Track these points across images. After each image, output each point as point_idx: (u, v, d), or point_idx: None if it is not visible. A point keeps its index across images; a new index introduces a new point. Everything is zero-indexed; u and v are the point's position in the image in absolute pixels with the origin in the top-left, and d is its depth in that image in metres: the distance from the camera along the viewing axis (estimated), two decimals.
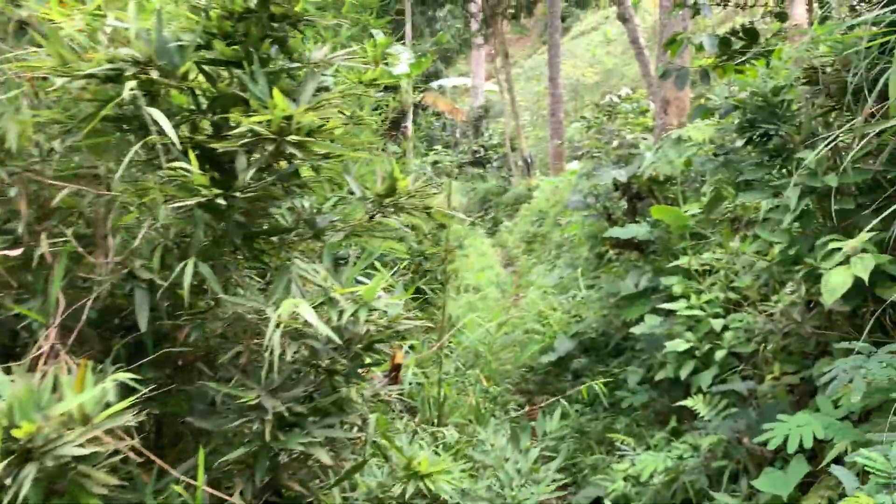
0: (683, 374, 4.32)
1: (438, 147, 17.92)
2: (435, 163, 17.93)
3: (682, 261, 4.60)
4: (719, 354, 4.19)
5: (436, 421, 3.46)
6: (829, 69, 2.70)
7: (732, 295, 3.96)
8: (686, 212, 4.88)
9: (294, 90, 1.79)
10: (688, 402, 4.24)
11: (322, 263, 1.70)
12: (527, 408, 5.44)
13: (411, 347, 4.54)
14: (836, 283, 2.58)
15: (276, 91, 1.62)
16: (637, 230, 5.09)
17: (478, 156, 19.78)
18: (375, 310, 1.62)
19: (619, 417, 5.08)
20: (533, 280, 11.22)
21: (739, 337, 4.19)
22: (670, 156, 3.45)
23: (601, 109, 11.67)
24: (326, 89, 1.87)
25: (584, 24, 40.70)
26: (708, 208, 4.37)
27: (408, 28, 24.76)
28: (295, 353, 1.56)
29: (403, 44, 23.33)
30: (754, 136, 3.05)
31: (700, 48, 5.65)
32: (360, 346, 1.72)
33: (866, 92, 2.65)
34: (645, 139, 9.40)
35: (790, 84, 2.99)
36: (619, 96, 11.45)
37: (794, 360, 3.58)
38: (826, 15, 4.61)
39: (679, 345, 4.36)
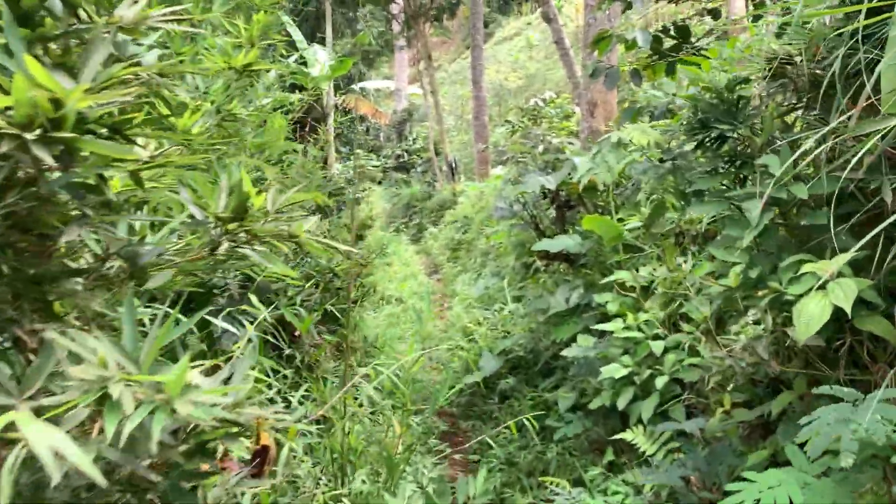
0: (621, 403, 3.86)
1: (359, 151, 17.22)
2: (358, 167, 17.26)
3: (617, 276, 4.15)
4: (660, 382, 3.74)
5: (339, 478, 2.88)
6: (798, 59, 2.27)
7: (686, 327, 3.51)
8: (623, 223, 4.44)
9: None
10: (626, 436, 3.78)
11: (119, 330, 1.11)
12: (448, 450, 4.87)
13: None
14: (812, 313, 2.12)
15: (29, 60, 1.01)
16: (567, 242, 4.62)
17: (401, 160, 19.19)
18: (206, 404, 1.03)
19: (551, 446, 4.59)
20: (458, 290, 10.72)
21: (683, 360, 3.76)
22: (609, 161, 3.00)
23: (525, 113, 11.29)
24: (137, 65, 1.26)
25: (506, 29, 40.71)
26: (649, 220, 3.93)
27: (328, 29, 23.99)
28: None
29: (323, 44, 22.53)
30: (706, 139, 2.60)
31: (631, 46, 5.24)
32: (183, 447, 1.13)
33: (839, 87, 2.21)
34: (571, 144, 9.05)
35: (748, 78, 2.55)
36: (544, 100, 11.08)
37: (745, 389, 3.15)
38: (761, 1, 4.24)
39: (615, 370, 3.89)
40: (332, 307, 4.87)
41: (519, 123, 11.19)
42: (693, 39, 5.46)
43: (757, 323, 2.33)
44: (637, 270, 4.17)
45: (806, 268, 2.21)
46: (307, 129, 23.68)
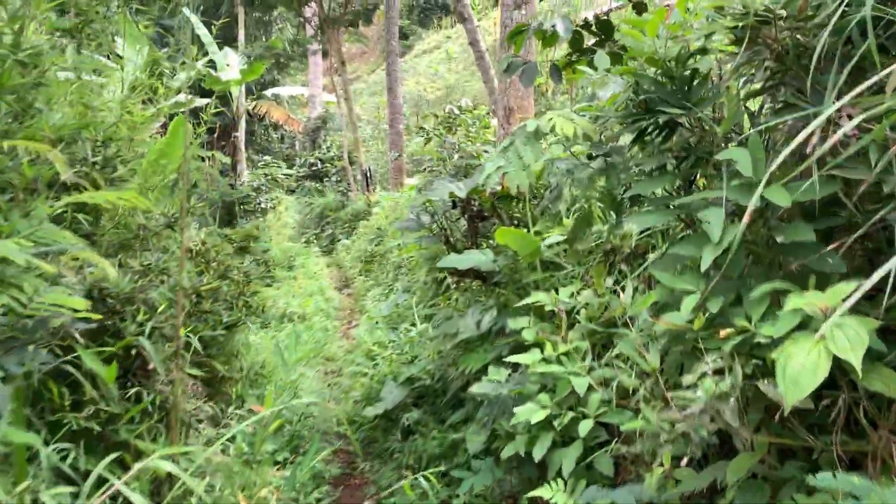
0: (538, 453, 3.19)
1: (268, 158, 16.21)
2: (269, 175, 16.24)
3: (534, 298, 3.49)
4: (584, 427, 3.09)
5: None
6: (779, 19, 1.65)
7: (620, 364, 2.86)
8: (541, 237, 3.79)
9: None
10: (543, 493, 3.11)
11: None
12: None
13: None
14: (803, 368, 1.48)
15: None
16: (477, 258, 3.94)
17: (314, 169, 18.25)
18: None
19: (458, 497, 3.88)
20: (368, 306, 9.93)
21: (611, 402, 3.13)
22: (525, 157, 2.36)
23: (441, 121, 10.65)
24: None
25: (426, 42, 40.30)
26: (573, 234, 3.28)
27: (241, 33, 22.80)
28: None
29: (236, 48, 21.31)
30: (649, 128, 1.98)
31: (550, 40, 4.65)
32: None
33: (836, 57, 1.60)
34: (487, 152, 8.45)
35: (706, 47, 1.92)
36: (460, 107, 10.47)
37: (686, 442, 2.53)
38: None
39: (531, 412, 3.22)
40: (200, 333, 4.02)
41: (434, 131, 10.54)
42: (617, 37, 4.91)
43: (719, 373, 1.70)
44: (557, 292, 3.53)
45: (792, 303, 1.57)
46: (216, 135, 22.38)
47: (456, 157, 9.08)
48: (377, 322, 7.83)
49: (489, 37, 24.84)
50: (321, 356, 8.02)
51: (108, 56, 5.81)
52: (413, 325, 7.08)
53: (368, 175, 15.60)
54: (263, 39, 19.95)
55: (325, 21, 15.33)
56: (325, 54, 27.40)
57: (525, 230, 3.98)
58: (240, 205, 14.91)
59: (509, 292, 4.22)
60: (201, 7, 24.74)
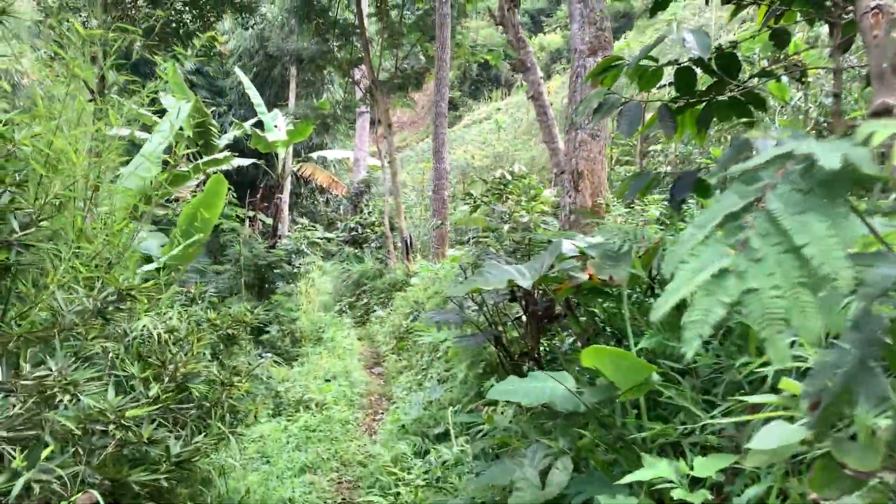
0: None
1: (304, 221, 15.10)
2: (306, 239, 15.11)
3: (652, 472, 2.03)
4: None
5: None
6: None
7: None
8: (655, 360, 2.35)
9: None
10: None
11: None
12: None
13: None
14: None
15: None
16: (551, 390, 2.50)
17: (354, 234, 17.09)
18: None
19: None
20: (397, 394, 8.46)
21: None
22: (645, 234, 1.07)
23: (490, 188, 9.37)
24: None
25: (476, 113, 39.83)
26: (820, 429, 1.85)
27: (291, 96, 22.25)
28: None
29: (286, 107, 20.65)
30: None
31: (651, 78, 3.30)
32: None
33: None
34: (546, 223, 7.08)
35: None
36: (511, 172, 9.19)
37: None
38: None
39: None
40: (134, 476, 2.63)
41: (482, 198, 9.24)
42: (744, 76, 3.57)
43: None
44: (685, 459, 2.06)
45: None
46: (260, 195, 21.52)
47: (506, 227, 7.73)
48: (403, 426, 6.34)
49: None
50: (336, 457, 6.55)
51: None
52: (447, 432, 5.61)
53: (409, 243, 14.34)
54: (313, 101, 19.23)
55: (374, 83, 14.40)
56: (373, 122, 26.83)
57: (627, 350, 2.52)
58: (273, 269, 13.74)
59: (593, 431, 2.75)
60: (255, 69, 24.47)
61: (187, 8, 8.92)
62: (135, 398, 2.66)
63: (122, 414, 2.43)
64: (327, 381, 8.56)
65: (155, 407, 2.65)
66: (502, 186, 9.24)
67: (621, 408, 2.52)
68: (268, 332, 11.91)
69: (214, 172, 15.49)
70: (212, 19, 9.45)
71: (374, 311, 13.77)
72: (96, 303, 2.62)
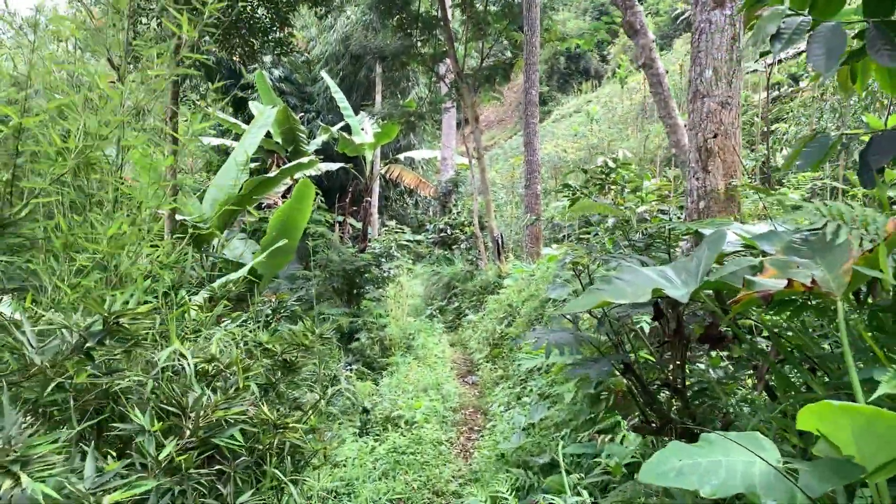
0: None
1: (391, 224, 14.44)
2: (394, 242, 14.46)
3: None
4: None
5: None
6: None
7: None
8: None
9: None
10: None
11: None
12: None
13: None
14: None
15: None
16: (737, 468, 1.55)
17: (443, 235, 16.33)
18: None
19: None
20: (493, 410, 7.56)
21: None
22: None
23: (590, 178, 8.33)
24: None
25: (565, 107, 38.39)
26: None
27: (377, 98, 21.79)
28: None
29: (371, 107, 20.15)
30: None
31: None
32: None
33: None
34: (664, 213, 5.99)
35: None
36: (615, 159, 8.11)
37: None
38: None
39: None
40: None
41: (581, 190, 8.20)
42: None
43: None
44: None
45: None
46: (349, 199, 21.15)
47: (634, 219, 6.69)
48: (502, 454, 5.44)
49: (637, 94, 22.41)
50: (428, 486, 5.74)
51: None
52: (553, 463, 4.69)
53: (500, 242, 13.42)
54: (399, 99, 18.63)
55: (459, 76, 13.57)
56: (459, 123, 26.02)
57: (835, 388, 1.54)
58: (361, 274, 13.17)
59: None
60: (341, 73, 24.21)
61: (260, 1, 8.36)
62: (130, 466, 1.88)
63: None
64: (418, 394, 7.77)
65: (160, 481, 1.88)
66: (604, 176, 8.18)
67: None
68: (357, 339, 11.32)
69: (301, 177, 15.14)
70: (287, 13, 8.86)
71: (466, 314, 12.95)
72: (77, 336, 1.87)
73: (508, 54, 15.21)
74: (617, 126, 20.22)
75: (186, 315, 3.55)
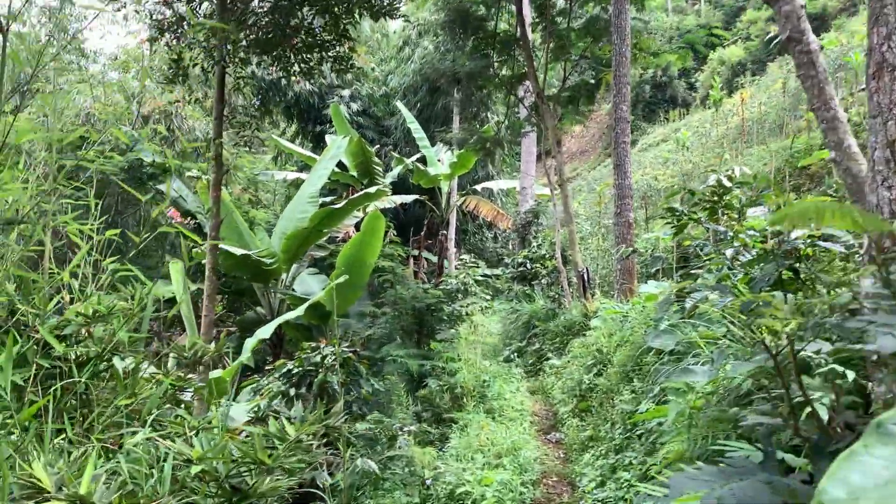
0: None
1: (465, 258, 13.11)
2: (468, 277, 13.13)
3: None
4: None
5: None
6: None
7: None
8: None
9: None
10: None
11: None
12: None
13: None
14: None
15: None
16: None
17: (522, 269, 14.88)
18: None
19: None
20: (583, 487, 6.03)
21: None
22: None
23: (699, 199, 6.78)
24: None
25: (651, 137, 36.38)
26: None
27: (455, 125, 20.77)
28: None
29: (448, 132, 19.05)
30: None
31: None
32: None
33: None
34: (827, 238, 4.41)
35: None
36: (730, 177, 6.55)
37: None
38: None
39: None
40: None
41: (689, 214, 6.64)
42: None
43: None
44: None
45: None
46: (424, 233, 20.04)
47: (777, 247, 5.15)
48: None
49: (734, 118, 20.45)
50: None
51: None
52: None
53: (586, 278, 11.87)
54: (478, 127, 17.48)
55: (540, 97, 12.28)
56: (539, 156, 24.67)
57: None
58: (432, 312, 11.92)
59: None
60: (419, 105, 23.40)
61: (314, 13, 7.37)
62: None
63: None
64: (490, 462, 6.33)
65: None
66: (717, 198, 6.62)
67: None
68: (425, 385, 10.03)
69: (373, 210, 14.15)
70: (346, 27, 7.83)
71: (548, 358, 11.41)
72: None
73: (592, 73, 13.82)
74: (713, 150, 18.35)
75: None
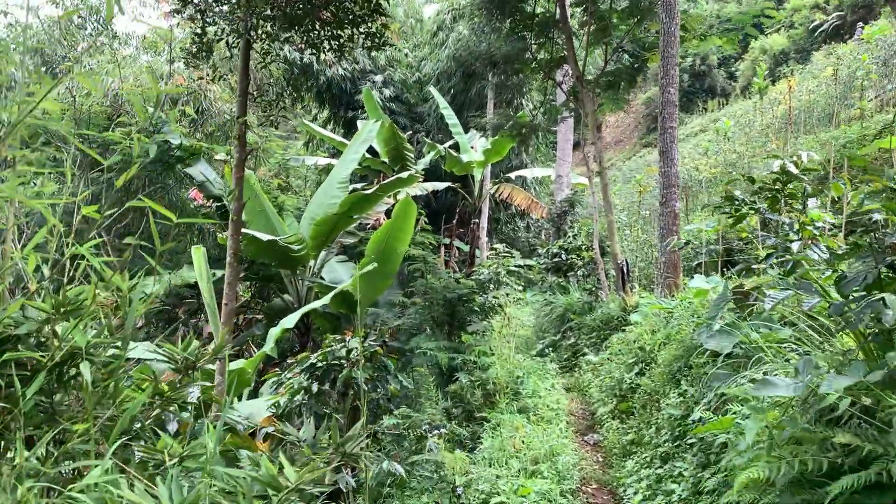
0: None
1: (498, 247, 12.56)
2: (507, 268, 12.58)
3: None
4: None
5: None
6: None
7: None
8: None
9: None
10: None
11: None
12: None
13: None
14: None
15: None
16: None
17: (557, 261, 14.28)
18: None
19: None
20: (629, 498, 5.50)
21: None
22: None
23: (760, 187, 6.16)
24: None
25: (688, 127, 35.28)
26: None
27: (489, 111, 20.17)
28: None
29: (482, 116, 18.45)
30: None
31: None
32: None
33: None
34: None
35: None
36: (797, 164, 5.91)
37: None
38: None
39: None
40: None
41: (747, 204, 6.02)
42: None
43: None
44: None
45: None
46: (455, 221, 19.51)
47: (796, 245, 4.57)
48: None
49: (780, 106, 19.49)
50: None
51: None
52: None
53: (625, 270, 11.26)
54: (512, 113, 16.88)
55: (580, 80, 11.65)
56: (576, 144, 23.88)
57: None
58: (464, 303, 11.41)
59: None
60: (452, 91, 22.80)
61: None
62: None
63: None
64: (526, 468, 5.83)
65: None
66: (780, 185, 5.99)
67: None
68: (456, 379, 9.55)
69: (404, 196, 13.65)
70: (378, 0, 7.35)
71: (584, 353, 10.85)
72: None
73: (630, 59, 13.11)
74: (758, 140, 17.48)
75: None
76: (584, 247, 13.93)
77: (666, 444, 6.05)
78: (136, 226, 12.67)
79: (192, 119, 12.33)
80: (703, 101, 37.46)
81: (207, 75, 7.48)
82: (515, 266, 12.25)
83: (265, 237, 10.03)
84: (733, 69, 41.22)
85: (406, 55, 24.12)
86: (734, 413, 4.69)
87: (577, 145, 30.87)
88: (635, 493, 5.48)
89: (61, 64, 13.80)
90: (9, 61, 2.50)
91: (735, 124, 22.26)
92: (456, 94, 22.37)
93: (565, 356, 11.69)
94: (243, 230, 10.22)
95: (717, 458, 5.03)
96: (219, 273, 12.14)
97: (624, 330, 10.00)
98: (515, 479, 5.46)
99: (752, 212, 5.90)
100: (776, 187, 5.94)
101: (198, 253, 7.91)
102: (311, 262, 13.04)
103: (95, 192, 11.94)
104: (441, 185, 17.85)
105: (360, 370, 5.72)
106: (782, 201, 6.12)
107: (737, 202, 5.83)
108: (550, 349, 11.88)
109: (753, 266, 5.63)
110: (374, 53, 22.72)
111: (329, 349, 6.00)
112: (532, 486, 5.22)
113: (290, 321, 8.25)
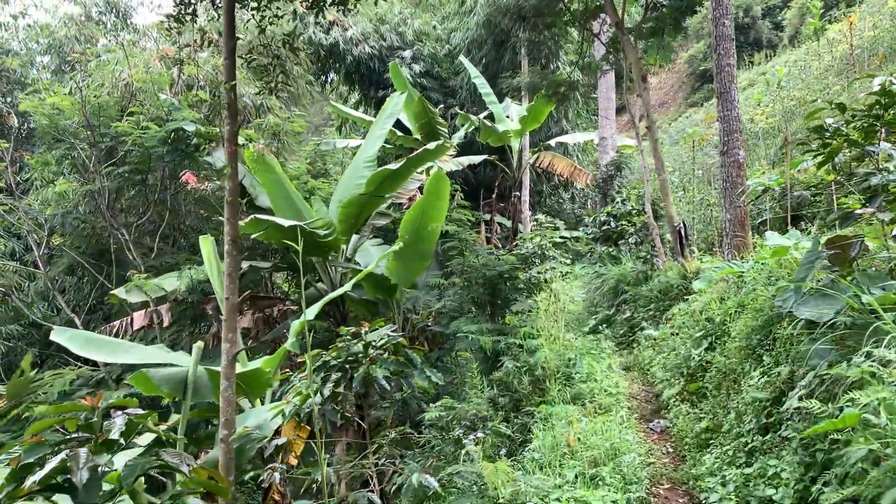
0: None
1: (540, 217, 11.40)
2: (552, 240, 11.47)
3: None
4: None
5: None
6: None
7: None
8: None
9: None
10: None
11: None
12: None
13: None
14: None
15: None
16: None
17: (605, 229, 13.05)
18: None
19: None
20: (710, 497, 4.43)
21: None
22: None
23: (854, 114, 4.92)
24: None
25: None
26: None
27: (524, 69, 18.86)
28: None
29: (516, 76, 17.14)
30: None
31: None
32: None
33: None
34: None
35: None
36: None
37: None
38: None
39: None
40: None
41: (840, 137, 4.79)
42: None
43: None
44: None
45: None
46: (495, 195, 18.34)
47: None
48: None
49: (840, 46, 17.65)
50: None
51: None
52: None
53: (683, 233, 10.01)
54: (551, 70, 15.58)
55: (619, 27, 10.37)
56: (614, 66, 22.31)
57: None
58: (506, 281, 10.38)
59: None
60: (483, 60, 21.54)
61: None
62: None
63: None
64: (584, 472, 4.79)
65: None
66: (881, 111, 4.73)
67: None
68: (501, 364, 8.57)
69: (436, 170, 12.62)
70: None
71: (643, 328, 9.68)
72: None
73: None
74: (821, 82, 15.78)
75: None
76: (634, 211, 12.67)
77: (752, 435, 4.94)
78: (159, 220, 11.91)
79: (210, 103, 11.53)
80: (749, 55, 35.11)
81: (195, 42, 6.56)
82: (560, 238, 11.10)
83: (287, 223, 9.16)
84: (779, 19, 38.59)
85: (434, 27, 22.92)
86: (849, 402, 3.53)
87: (619, 110, 29.13)
88: (720, 501, 4.39)
89: (79, 60, 13.14)
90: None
91: (788, 73, 20.40)
92: (488, 64, 21.12)
93: (621, 332, 10.54)
94: (263, 216, 9.39)
95: (826, 458, 3.91)
96: (243, 265, 11.37)
97: (686, 299, 8.81)
98: (572, 489, 4.44)
99: (848, 145, 4.68)
100: (875, 112, 4.69)
101: (206, 244, 7.08)
102: (343, 247, 12.19)
103: (112, 188, 11.37)
104: (477, 159, 16.74)
105: (381, 367, 4.77)
106: (881, 131, 4.88)
107: (826, 133, 4.61)
108: (604, 325, 10.73)
109: (856, 212, 4.42)
110: (386, 25, 21.61)
111: (343, 343, 5.06)
112: (592, 498, 4.18)
113: (310, 312, 7.39)
